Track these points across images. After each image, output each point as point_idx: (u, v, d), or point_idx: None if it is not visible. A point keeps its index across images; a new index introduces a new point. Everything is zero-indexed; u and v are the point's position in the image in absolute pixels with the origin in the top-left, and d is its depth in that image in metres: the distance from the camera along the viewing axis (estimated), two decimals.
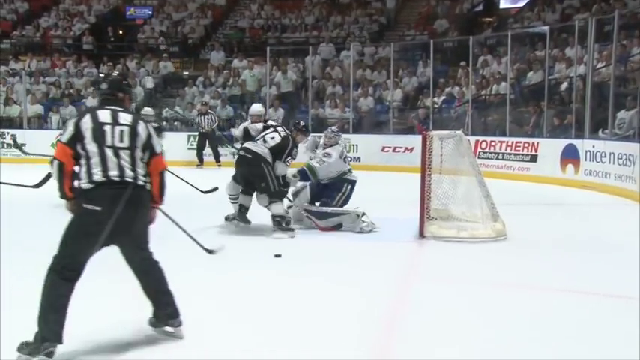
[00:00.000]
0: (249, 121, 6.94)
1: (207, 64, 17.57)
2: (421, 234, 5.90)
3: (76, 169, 3.03)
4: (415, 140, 9.43)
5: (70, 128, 3.04)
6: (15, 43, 19.78)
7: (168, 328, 3.23)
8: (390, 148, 12.94)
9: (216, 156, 13.26)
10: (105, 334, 3.25)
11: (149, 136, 3.13)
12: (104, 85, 3.25)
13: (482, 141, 11.98)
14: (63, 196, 3.03)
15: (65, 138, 3.03)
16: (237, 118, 15.00)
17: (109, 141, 3.01)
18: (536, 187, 10.03)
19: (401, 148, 12.75)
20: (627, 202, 8.39)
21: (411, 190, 6.22)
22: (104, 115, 3.07)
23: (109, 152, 2.99)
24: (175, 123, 15.48)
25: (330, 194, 6.55)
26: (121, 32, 20.49)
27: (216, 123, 13.59)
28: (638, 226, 6.27)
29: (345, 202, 6.56)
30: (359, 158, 13.12)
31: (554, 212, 8.07)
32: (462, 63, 13.75)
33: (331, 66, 15.94)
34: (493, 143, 11.86)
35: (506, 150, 11.59)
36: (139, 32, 20.12)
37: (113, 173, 2.96)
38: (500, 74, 13.11)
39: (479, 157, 10.71)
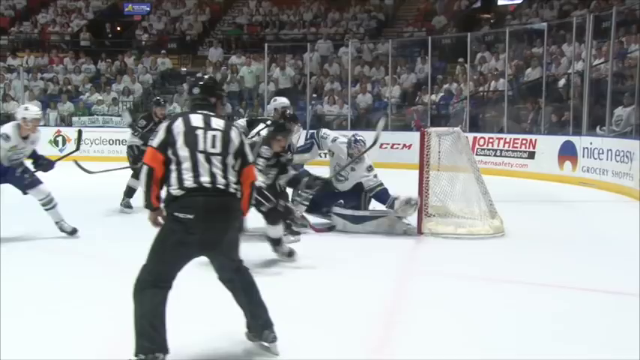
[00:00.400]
0: (273, 114, 6.29)
1: (205, 61, 17.56)
2: (419, 231, 5.91)
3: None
4: (413, 137, 9.45)
5: (161, 133, 2.90)
6: (12, 40, 19.73)
7: (264, 343, 3.04)
8: (388, 144, 12.95)
9: None
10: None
11: (242, 143, 2.99)
12: (196, 90, 3.10)
13: (480, 138, 11.99)
14: (148, 205, 2.88)
15: (156, 142, 2.89)
16: (234, 114, 15.00)
17: (200, 145, 2.86)
18: (534, 184, 10.04)
19: (399, 144, 12.76)
20: (625, 199, 8.41)
21: (409, 186, 6.23)
22: (196, 120, 2.94)
23: (200, 157, 2.84)
24: None
25: (349, 197, 6.14)
26: (118, 29, 20.46)
27: None
28: (636, 223, 6.29)
29: (369, 202, 6.27)
30: None
31: (552, 209, 8.08)
32: (460, 59, 13.75)
33: (329, 62, 15.94)
34: (491, 140, 11.87)
35: (504, 147, 11.61)
36: (137, 29, 20.09)
37: (205, 179, 2.81)
38: (498, 71, 13.12)
39: (477, 154, 10.72)
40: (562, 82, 11.83)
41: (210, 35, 19.61)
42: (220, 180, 2.84)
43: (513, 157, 11.37)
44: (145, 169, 2.86)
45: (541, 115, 11.46)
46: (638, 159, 8.31)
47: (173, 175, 2.82)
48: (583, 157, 9.92)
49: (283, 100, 6.44)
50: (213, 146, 2.88)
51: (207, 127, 2.92)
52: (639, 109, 9.42)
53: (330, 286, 4.26)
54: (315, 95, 15.14)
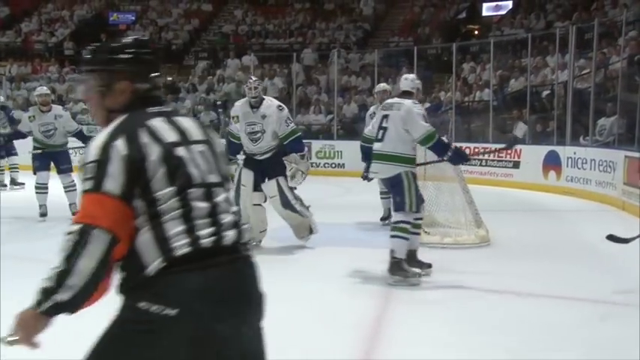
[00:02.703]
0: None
1: (190, 70, 17.53)
2: None
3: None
4: None
5: (115, 165, 1.52)
6: None
7: None
8: None
9: None
10: None
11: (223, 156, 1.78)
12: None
13: (466, 147, 11.99)
14: (68, 305, 1.50)
15: (111, 184, 1.51)
16: (220, 123, 14.98)
17: (195, 175, 1.59)
18: (519, 193, 10.10)
19: None
20: (608, 208, 8.48)
21: None
22: (164, 129, 1.61)
23: (197, 195, 1.58)
24: None
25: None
26: (103, 38, 20.37)
27: None
28: (619, 232, 6.32)
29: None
30: (343, 164, 13.14)
31: (537, 218, 8.13)
32: (463, 65, 13.86)
33: (317, 72, 16.00)
34: (477, 149, 11.93)
35: (489, 156, 11.67)
36: (122, 38, 20.00)
37: (206, 236, 1.55)
38: (482, 80, 13.22)
39: (462, 164, 10.74)
40: (546, 92, 11.94)
41: (196, 45, 19.59)
42: (230, 233, 1.60)
43: (498, 166, 11.43)
44: (97, 237, 1.47)
45: (525, 125, 11.55)
46: (620, 169, 8.39)
47: (146, 242, 1.53)
48: (567, 166, 10.00)
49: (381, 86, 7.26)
50: (210, 171, 1.64)
51: (184, 138, 1.63)
52: (622, 119, 9.53)
53: (315, 296, 4.23)
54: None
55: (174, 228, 1.53)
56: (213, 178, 1.64)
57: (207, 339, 1.50)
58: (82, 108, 15.82)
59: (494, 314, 3.91)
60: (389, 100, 4.97)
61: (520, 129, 5.58)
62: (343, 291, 4.39)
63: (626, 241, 4.73)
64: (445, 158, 4.90)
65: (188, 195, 1.57)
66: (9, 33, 20.22)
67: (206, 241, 1.54)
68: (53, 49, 19.61)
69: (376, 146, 4.74)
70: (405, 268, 4.53)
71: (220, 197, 1.63)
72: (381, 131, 4.70)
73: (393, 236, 4.57)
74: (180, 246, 1.52)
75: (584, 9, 14.46)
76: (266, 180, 5.57)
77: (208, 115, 14.96)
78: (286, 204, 5.55)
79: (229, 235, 1.59)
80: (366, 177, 5.88)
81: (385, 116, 4.73)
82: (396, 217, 4.61)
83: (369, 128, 5.14)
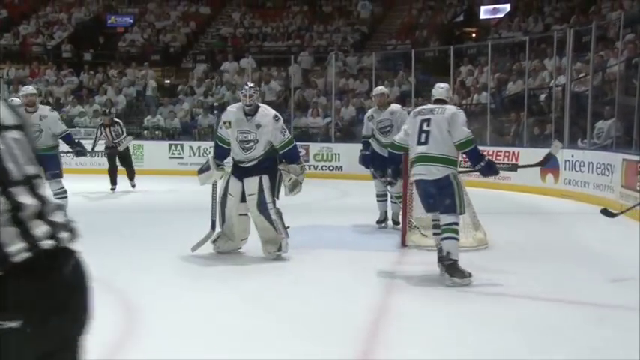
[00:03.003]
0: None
1: (188, 73, 17.53)
2: (403, 243, 5.91)
3: None
4: None
5: None
6: None
7: None
8: None
9: (131, 174, 10.52)
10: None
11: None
12: None
13: None
14: None
15: None
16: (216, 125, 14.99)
17: (14, 170, 1.37)
18: (517, 196, 10.11)
19: None
20: None
21: None
22: None
23: (21, 193, 1.37)
24: (157, 132, 15.39)
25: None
26: (101, 40, 20.36)
27: (124, 136, 10.40)
28: (616, 235, 6.34)
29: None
30: (341, 167, 13.14)
31: (534, 221, 8.13)
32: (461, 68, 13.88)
33: (315, 75, 16.02)
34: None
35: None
36: (120, 40, 20.02)
37: (59, 239, 1.40)
38: (480, 83, 13.23)
39: (460, 166, 10.74)
40: (543, 95, 11.96)
41: (194, 47, 19.60)
42: (66, 233, 1.45)
43: None
44: None
45: (523, 127, 11.56)
46: (618, 172, 8.40)
47: None
48: (565, 169, 10.01)
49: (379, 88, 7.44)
50: (29, 162, 1.43)
51: None
52: (619, 122, 9.55)
53: (314, 300, 4.22)
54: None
55: (6, 232, 1.33)
56: (32, 170, 1.41)
57: (55, 344, 1.39)
58: (80, 111, 15.82)
59: (492, 316, 3.90)
60: (426, 106, 5.00)
61: (556, 147, 5.68)
62: (341, 293, 4.38)
63: (613, 215, 5.18)
64: (477, 168, 4.96)
65: (12, 194, 1.34)
66: (7, 36, 20.21)
67: (44, 244, 1.36)
68: (51, 52, 19.61)
69: (420, 149, 4.77)
70: (461, 269, 4.57)
71: (44, 191, 1.42)
72: (424, 135, 4.76)
73: (445, 238, 4.62)
74: (17, 251, 1.32)
75: (582, 12, 14.52)
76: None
77: (206, 118, 14.97)
78: (262, 206, 5.26)
79: (65, 236, 1.42)
80: (390, 182, 5.99)
81: (425, 120, 4.77)
82: (446, 219, 4.65)
83: (401, 136, 5.10)
